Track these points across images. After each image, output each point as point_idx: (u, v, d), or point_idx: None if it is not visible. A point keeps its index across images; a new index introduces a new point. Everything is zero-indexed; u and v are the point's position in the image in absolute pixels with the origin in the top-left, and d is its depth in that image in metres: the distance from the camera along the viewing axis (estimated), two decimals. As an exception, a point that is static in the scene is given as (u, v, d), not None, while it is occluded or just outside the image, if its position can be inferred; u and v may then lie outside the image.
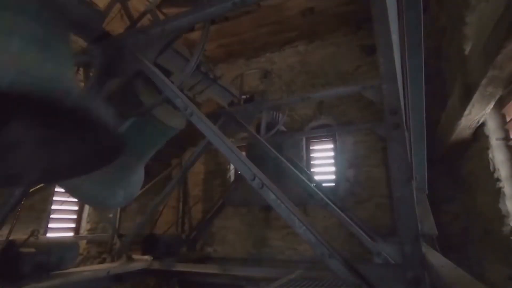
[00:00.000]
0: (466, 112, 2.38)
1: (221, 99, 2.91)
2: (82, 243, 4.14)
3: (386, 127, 1.00)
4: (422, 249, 0.93)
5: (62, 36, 1.22)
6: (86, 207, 4.40)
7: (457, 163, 3.30)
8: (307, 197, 4.40)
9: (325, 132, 4.82)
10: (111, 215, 3.95)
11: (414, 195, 0.96)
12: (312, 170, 4.90)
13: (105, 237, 4.16)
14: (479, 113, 2.38)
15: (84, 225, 4.32)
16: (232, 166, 5.48)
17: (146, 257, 3.51)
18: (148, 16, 2.21)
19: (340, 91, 3.83)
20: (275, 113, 4.26)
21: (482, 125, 2.53)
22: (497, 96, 2.16)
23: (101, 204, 2.87)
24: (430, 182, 2.79)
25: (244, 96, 4.03)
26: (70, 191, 2.39)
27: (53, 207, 3.88)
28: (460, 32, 2.67)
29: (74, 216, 4.33)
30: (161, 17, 2.11)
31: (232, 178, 5.45)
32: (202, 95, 2.72)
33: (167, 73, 2.28)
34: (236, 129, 3.71)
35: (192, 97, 2.58)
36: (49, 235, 3.88)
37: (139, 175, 2.80)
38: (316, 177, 4.56)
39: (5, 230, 2.28)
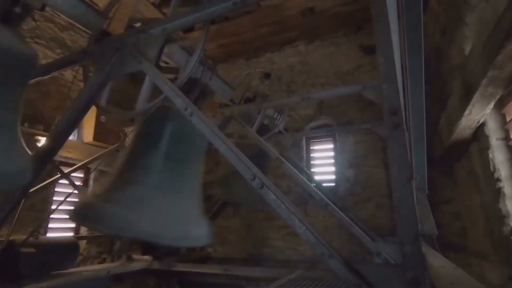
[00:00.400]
0: (466, 112, 2.38)
1: (221, 94, 2.89)
2: (82, 243, 4.13)
3: (386, 127, 1.00)
4: (422, 249, 0.93)
5: None
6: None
7: (457, 163, 3.30)
8: (307, 197, 4.42)
9: (325, 132, 4.83)
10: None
11: (414, 195, 0.96)
12: (312, 170, 4.90)
13: (105, 237, 4.16)
14: (479, 113, 2.38)
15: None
16: (232, 166, 5.47)
17: (146, 257, 3.51)
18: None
19: (340, 91, 3.83)
20: (275, 113, 4.25)
21: (482, 125, 2.53)
22: (497, 96, 2.16)
23: (190, 241, 2.05)
24: (430, 182, 2.79)
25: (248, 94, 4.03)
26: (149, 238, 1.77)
27: (53, 207, 3.88)
28: (460, 32, 2.67)
29: (74, 216, 4.33)
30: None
31: (232, 178, 5.45)
32: (212, 81, 2.65)
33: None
34: (237, 129, 3.71)
35: (205, 84, 2.45)
36: (49, 235, 3.88)
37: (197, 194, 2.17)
38: (316, 177, 4.56)
39: (5, 230, 2.28)
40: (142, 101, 1.95)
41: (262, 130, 3.97)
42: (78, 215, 1.84)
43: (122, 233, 1.78)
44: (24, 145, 1.62)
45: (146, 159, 1.93)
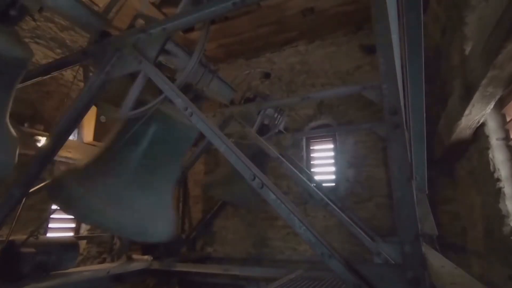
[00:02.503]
0: (466, 112, 2.38)
1: (221, 96, 2.89)
2: (82, 243, 4.13)
3: (386, 127, 1.00)
4: (422, 249, 0.93)
5: None
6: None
7: (457, 163, 3.30)
8: (307, 197, 4.42)
9: (325, 132, 4.83)
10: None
11: (414, 195, 0.96)
12: (312, 170, 4.90)
13: (105, 237, 4.16)
14: (479, 113, 2.38)
15: (84, 225, 4.32)
16: (232, 166, 5.47)
17: (146, 257, 3.51)
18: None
19: (340, 91, 3.83)
20: (275, 113, 4.26)
21: (482, 125, 2.53)
22: (497, 96, 2.16)
23: (147, 237, 2.09)
24: (430, 182, 2.79)
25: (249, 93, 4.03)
26: (114, 231, 1.95)
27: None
28: (460, 32, 2.67)
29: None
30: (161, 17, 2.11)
31: (232, 178, 5.45)
32: (209, 90, 2.67)
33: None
34: (237, 129, 3.71)
35: (201, 90, 2.47)
36: (49, 235, 3.87)
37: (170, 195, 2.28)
38: (316, 177, 4.56)
39: (5, 230, 2.28)
40: (126, 106, 1.94)
41: (262, 130, 3.97)
42: (51, 191, 1.93)
43: (84, 220, 1.89)
44: (10, 140, 1.66)
45: (124, 154, 2.00)
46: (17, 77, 1.73)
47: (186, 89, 2.14)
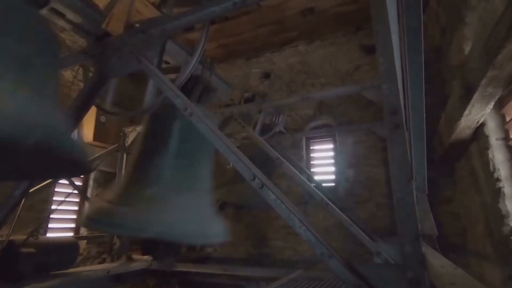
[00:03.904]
0: (466, 112, 2.38)
1: (220, 92, 2.89)
2: (82, 243, 4.14)
3: (386, 127, 1.00)
4: (422, 249, 0.93)
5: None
6: (86, 207, 4.40)
7: (457, 163, 3.30)
8: (307, 197, 4.42)
9: (325, 132, 4.83)
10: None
11: (414, 195, 0.96)
12: (312, 170, 4.90)
13: (105, 237, 4.16)
14: (479, 113, 2.38)
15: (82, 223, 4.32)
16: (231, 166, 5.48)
17: (146, 257, 3.51)
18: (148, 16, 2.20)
19: (340, 91, 3.84)
20: (275, 113, 4.25)
21: (482, 125, 2.53)
22: (497, 96, 2.16)
23: (206, 238, 2.02)
24: (430, 182, 2.79)
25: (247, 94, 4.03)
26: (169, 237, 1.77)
27: (53, 207, 3.88)
28: (460, 32, 2.67)
29: (74, 216, 4.33)
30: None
31: (232, 178, 5.45)
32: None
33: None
34: (236, 129, 3.71)
35: (209, 82, 2.46)
36: (49, 235, 3.88)
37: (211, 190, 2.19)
38: (316, 177, 4.56)
39: (5, 230, 2.28)
40: (149, 97, 1.95)
41: (262, 130, 3.97)
42: (93, 221, 1.79)
43: (141, 234, 1.77)
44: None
45: (156, 159, 1.92)
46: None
47: (195, 81, 2.13)
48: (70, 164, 1.22)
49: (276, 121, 4.17)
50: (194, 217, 1.82)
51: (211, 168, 2.21)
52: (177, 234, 1.70)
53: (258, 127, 3.70)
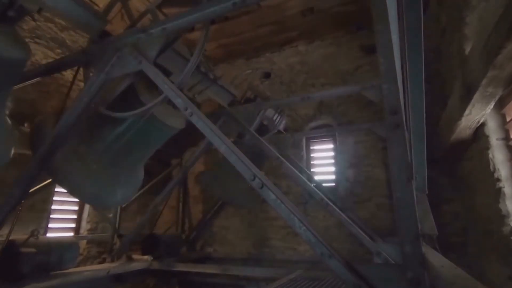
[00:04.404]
0: (466, 112, 2.38)
1: (221, 99, 2.91)
2: (82, 243, 4.13)
3: (386, 127, 1.00)
4: (422, 249, 0.93)
5: None
6: (86, 207, 4.40)
7: (457, 163, 3.30)
8: (307, 197, 4.42)
9: (325, 132, 4.82)
10: (111, 215, 3.95)
11: (414, 195, 0.96)
12: (312, 170, 4.90)
13: (105, 237, 4.16)
14: (479, 113, 2.38)
15: (84, 225, 4.32)
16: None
17: (146, 257, 3.51)
18: (148, 15, 2.20)
19: (340, 91, 3.83)
20: (275, 113, 4.25)
21: (482, 125, 2.53)
22: (497, 96, 2.16)
23: (101, 203, 2.85)
24: (430, 182, 2.79)
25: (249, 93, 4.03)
26: (71, 191, 2.40)
27: (53, 207, 3.88)
28: (460, 32, 2.67)
29: (74, 216, 4.33)
30: (161, 17, 2.11)
31: (232, 178, 5.45)
32: (202, 95, 2.73)
33: (167, 73, 2.27)
34: (236, 129, 3.71)
35: (192, 97, 2.58)
36: (49, 235, 3.87)
37: (138, 174, 2.81)
38: (316, 177, 4.56)
39: (5, 230, 2.28)
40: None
41: (262, 130, 3.97)
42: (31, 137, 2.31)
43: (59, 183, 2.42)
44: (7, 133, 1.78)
45: (107, 131, 2.40)
46: (15, 76, 1.75)
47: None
48: None
49: (276, 121, 4.17)
50: (101, 184, 2.41)
51: (145, 160, 2.80)
52: (77, 190, 2.34)
53: (255, 126, 3.70)
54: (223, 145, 1.45)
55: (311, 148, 5.10)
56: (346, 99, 4.68)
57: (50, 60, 3.69)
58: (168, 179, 4.51)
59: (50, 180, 3.04)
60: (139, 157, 2.73)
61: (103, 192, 2.45)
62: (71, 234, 4.24)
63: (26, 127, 3.51)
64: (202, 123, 1.56)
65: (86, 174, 2.29)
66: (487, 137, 2.47)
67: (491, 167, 2.42)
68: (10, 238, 2.25)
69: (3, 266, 2.18)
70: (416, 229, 0.93)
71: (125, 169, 2.62)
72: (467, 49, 2.53)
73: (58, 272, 2.49)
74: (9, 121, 2.02)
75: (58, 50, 4.09)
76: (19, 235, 2.43)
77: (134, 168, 2.74)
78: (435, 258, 1.77)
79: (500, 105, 2.38)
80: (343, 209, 3.36)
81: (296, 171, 3.17)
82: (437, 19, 3.44)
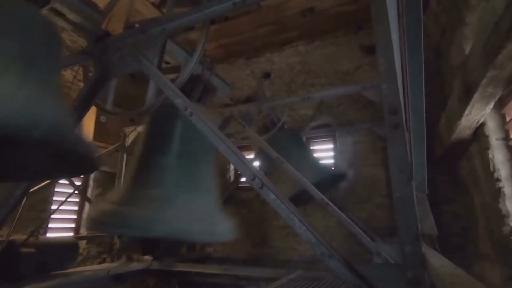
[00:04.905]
0: (466, 112, 2.38)
1: (220, 92, 2.89)
2: (82, 243, 4.14)
3: (386, 127, 1.00)
4: (422, 249, 0.93)
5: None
6: (86, 207, 4.40)
7: (457, 163, 3.30)
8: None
9: (325, 132, 4.83)
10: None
11: (414, 195, 0.96)
12: (312, 170, 4.89)
13: (105, 237, 4.16)
14: (479, 113, 2.38)
15: (84, 225, 4.32)
16: (232, 166, 5.48)
17: (146, 257, 3.51)
18: (147, 16, 2.20)
19: (340, 91, 3.83)
20: (275, 113, 4.25)
21: (482, 125, 2.53)
22: (497, 96, 2.16)
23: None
24: (430, 182, 2.79)
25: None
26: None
27: (53, 207, 3.88)
28: (460, 32, 2.67)
29: (74, 216, 4.33)
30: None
31: (232, 178, 5.45)
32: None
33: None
34: (236, 129, 3.71)
35: (209, 82, 2.46)
36: (49, 235, 3.88)
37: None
38: (316, 177, 4.55)
39: (5, 230, 2.28)
40: (151, 97, 1.96)
41: (262, 130, 3.97)
42: (99, 223, 1.77)
43: (148, 234, 1.74)
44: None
45: (160, 159, 1.91)
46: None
47: (196, 81, 2.14)
48: (76, 159, 1.22)
49: (277, 121, 4.17)
50: (199, 215, 1.81)
51: (214, 166, 2.21)
52: (184, 232, 1.68)
53: (255, 127, 3.70)
54: (223, 145, 1.45)
55: (311, 148, 5.10)
56: (346, 99, 4.68)
57: (50, 60, 3.68)
58: (168, 179, 4.49)
59: (50, 180, 3.05)
60: (209, 168, 2.19)
61: (207, 222, 1.87)
62: (71, 234, 4.24)
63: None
64: (202, 123, 1.56)
65: (177, 211, 1.77)
66: (487, 137, 2.47)
67: (491, 167, 2.42)
68: (10, 238, 2.25)
69: (3, 266, 2.18)
70: (416, 229, 0.93)
71: (204, 188, 2.06)
72: (467, 49, 2.53)
73: (58, 272, 2.49)
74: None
75: (58, 50, 4.09)
76: (19, 235, 2.43)
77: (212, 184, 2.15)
78: (435, 258, 1.77)
79: (500, 105, 2.38)
80: (343, 209, 3.36)
81: (296, 171, 3.17)
82: (437, 19, 3.44)
